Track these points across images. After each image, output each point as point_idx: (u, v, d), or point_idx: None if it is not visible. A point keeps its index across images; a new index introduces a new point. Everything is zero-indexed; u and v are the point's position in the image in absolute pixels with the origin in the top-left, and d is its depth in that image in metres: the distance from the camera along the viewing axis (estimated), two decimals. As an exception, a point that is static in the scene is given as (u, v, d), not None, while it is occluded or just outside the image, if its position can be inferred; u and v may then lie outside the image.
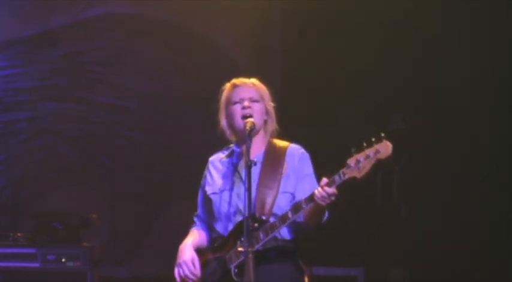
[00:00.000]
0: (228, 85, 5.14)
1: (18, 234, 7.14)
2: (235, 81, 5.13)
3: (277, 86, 7.69)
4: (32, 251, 6.98)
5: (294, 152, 5.09)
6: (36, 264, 6.95)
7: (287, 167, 5.03)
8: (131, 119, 8.31)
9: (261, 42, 8.24)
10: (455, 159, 7.67)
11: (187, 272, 5.00)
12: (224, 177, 5.08)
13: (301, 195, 4.95)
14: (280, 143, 5.13)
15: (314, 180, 5.05)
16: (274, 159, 5.04)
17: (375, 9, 7.81)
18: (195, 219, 5.26)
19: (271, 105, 5.11)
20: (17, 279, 6.94)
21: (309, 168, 5.09)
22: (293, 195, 5.02)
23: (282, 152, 5.07)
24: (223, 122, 5.12)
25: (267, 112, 5.08)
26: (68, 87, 8.35)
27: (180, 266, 5.02)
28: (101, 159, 8.30)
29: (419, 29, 7.80)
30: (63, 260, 6.95)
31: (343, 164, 4.73)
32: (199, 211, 5.25)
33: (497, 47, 7.66)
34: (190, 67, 8.25)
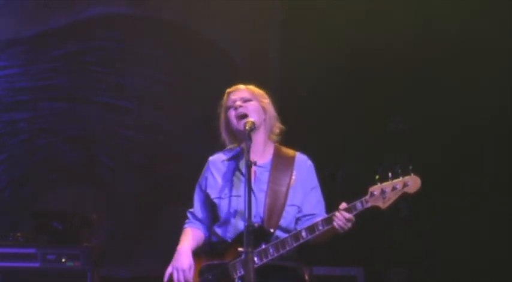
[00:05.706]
0: (224, 95, 5.13)
1: (18, 234, 7.12)
2: (228, 89, 5.13)
3: (277, 86, 7.72)
4: (32, 251, 6.96)
5: (302, 163, 5.06)
6: (36, 264, 6.93)
7: (295, 178, 4.98)
8: (131, 119, 8.31)
9: (261, 42, 8.24)
10: (455, 158, 7.67)
11: (182, 280, 4.91)
12: (227, 180, 5.02)
13: (308, 209, 4.97)
14: (287, 151, 5.08)
15: (320, 192, 5.05)
16: (282, 169, 4.98)
17: (376, 10, 7.82)
18: (190, 215, 5.19)
19: (265, 102, 5.05)
20: (17, 279, 6.92)
21: (315, 181, 5.06)
22: (299, 208, 4.98)
23: (290, 161, 5.02)
24: (223, 133, 5.11)
25: (263, 110, 5.04)
26: (68, 87, 8.35)
27: (176, 270, 4.93)
28: (101, 159, 8.30)
29: (421, 28, 7.81)
30: (63, 260, 6.93)
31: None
32: (195, 208, 5.17)
33: (498, 47, 7.67)
34: (190, 67, 8.25)
